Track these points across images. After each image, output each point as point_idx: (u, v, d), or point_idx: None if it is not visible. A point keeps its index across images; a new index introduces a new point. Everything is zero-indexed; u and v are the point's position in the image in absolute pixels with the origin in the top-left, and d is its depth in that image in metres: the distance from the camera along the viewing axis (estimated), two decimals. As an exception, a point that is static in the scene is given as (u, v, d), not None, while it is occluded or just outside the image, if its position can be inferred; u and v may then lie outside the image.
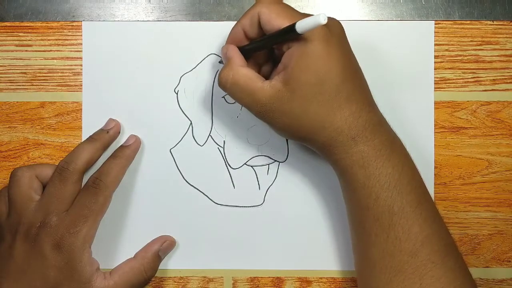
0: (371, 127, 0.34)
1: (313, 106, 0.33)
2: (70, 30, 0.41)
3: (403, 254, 0.33)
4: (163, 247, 0.40)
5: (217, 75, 0.35)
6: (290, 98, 0.33)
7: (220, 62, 0.41)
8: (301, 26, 0.31)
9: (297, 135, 0.35)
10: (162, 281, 0.41)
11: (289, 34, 0.32)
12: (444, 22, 0.41)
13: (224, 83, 0.35)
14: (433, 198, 0.41)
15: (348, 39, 0.35)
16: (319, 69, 0.33)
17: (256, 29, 0.35)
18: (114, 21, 0.42)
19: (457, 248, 0.35)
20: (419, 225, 0.33)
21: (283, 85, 0.33)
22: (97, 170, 0.38)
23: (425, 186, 0.35)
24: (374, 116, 0.34)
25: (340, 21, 0.34)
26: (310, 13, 0.34)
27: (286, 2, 0.41)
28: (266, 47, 0.36)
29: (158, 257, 0.39)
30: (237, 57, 0.35)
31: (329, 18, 0.34)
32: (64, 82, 0.41)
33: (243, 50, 0.36)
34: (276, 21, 0.33)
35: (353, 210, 0.36)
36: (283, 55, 0.34)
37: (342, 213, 0.41)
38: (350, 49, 0.35)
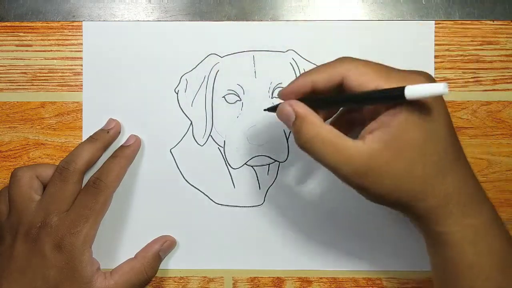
0: (477, 198, 0.31)
1: (419, 167, 0.30)
2: (71, 30, 0.41)
3: None
4: (164, 247, 0.40)
5: (294, 134, 0.32)
6: (393, 159, 0.29)
7: (268, 109, 0.36)
8: (412, 92, 0.27)
9: (397, 200, 0.31)
10: (162, 281, 0.41)
11: (392, 98, 0.29)
12: (445, 22, 0.41)
13: (307, 143, 0.31)
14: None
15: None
16: (429, 129, 0.30)
17: (331, 88, 0.31)
18: (114, 21, 0.42)
19: None
20: None
21: (384, 144, 0.29)
22: (97, 170, 0.38)
23: None
24: (477, 185, 0.32)
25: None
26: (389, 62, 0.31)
27: (285, 3, 0.41)
28: (352, 106, 0.33)
29: (158, 257, 0.39)
30: (313, 114, 0.31)
31: (423, 72, 0.32)
32: (64, 82, 0.41)
33: (310, 102, 0.32)
34: (371, 84, 0.30)
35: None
36: (381, 115, 0.30)
37: (342, 213, 0.41)
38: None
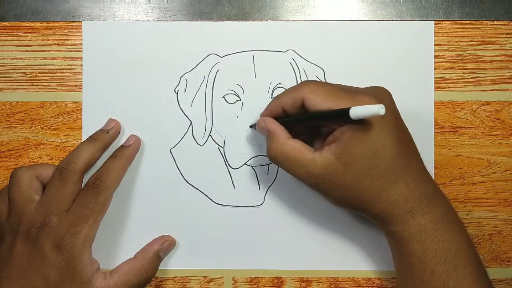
0: (427, 199, 0.34)
1: (367, 179, 0.33)
2: (70, 30, 0.41)
3: None
4: (163, 247, 0.40)
5: (266, 150, 0.36)
6: (344, 171, 0.33)
7: (251, 126, 0.41)
8: (355, 113, 0.30)
9: (352, 205, 0.35)
10: (162, 281, 0.41)
11: (340, 118, 0.32)
12: (444, 22, 0.41)
13: (274, 158, 0.35)
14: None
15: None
16: (374, 143, 0.32)
17: (297, 108, 0.35)
18: (114, 21, 0.42)
19: None
20: None
21: (335, 157, 0.33)
22: (97, 170, 0.38)
23: (480, 258, 0.35)
24: (429, 187, 0.34)
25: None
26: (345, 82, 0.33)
27: (285, 3, 0.41)
28: (311, 124, 0.36)
29: (158, 257, 0.39)
30: (281, 130, 0.35)
31: (379, 88, 0.35)
32: (64, 82, 0.41)
33: (281, 122, 0.36)
34: (324, 105, 0.33)
35: (405, 282, 0.35)
36: (336, 129, 0.33)
37: (341, 213, 0.41)
38: (401, 118, 0.35)
